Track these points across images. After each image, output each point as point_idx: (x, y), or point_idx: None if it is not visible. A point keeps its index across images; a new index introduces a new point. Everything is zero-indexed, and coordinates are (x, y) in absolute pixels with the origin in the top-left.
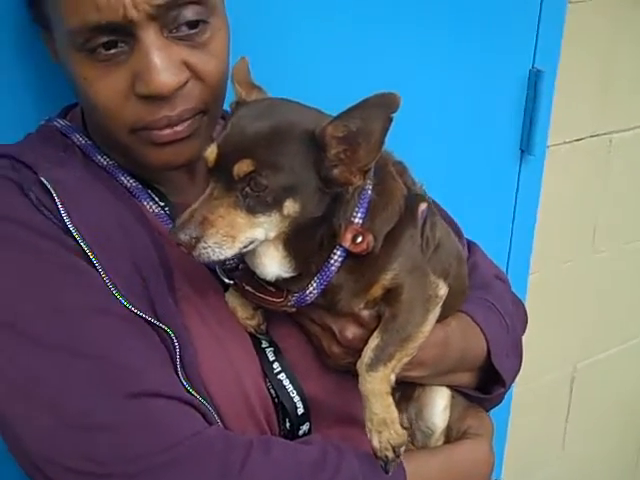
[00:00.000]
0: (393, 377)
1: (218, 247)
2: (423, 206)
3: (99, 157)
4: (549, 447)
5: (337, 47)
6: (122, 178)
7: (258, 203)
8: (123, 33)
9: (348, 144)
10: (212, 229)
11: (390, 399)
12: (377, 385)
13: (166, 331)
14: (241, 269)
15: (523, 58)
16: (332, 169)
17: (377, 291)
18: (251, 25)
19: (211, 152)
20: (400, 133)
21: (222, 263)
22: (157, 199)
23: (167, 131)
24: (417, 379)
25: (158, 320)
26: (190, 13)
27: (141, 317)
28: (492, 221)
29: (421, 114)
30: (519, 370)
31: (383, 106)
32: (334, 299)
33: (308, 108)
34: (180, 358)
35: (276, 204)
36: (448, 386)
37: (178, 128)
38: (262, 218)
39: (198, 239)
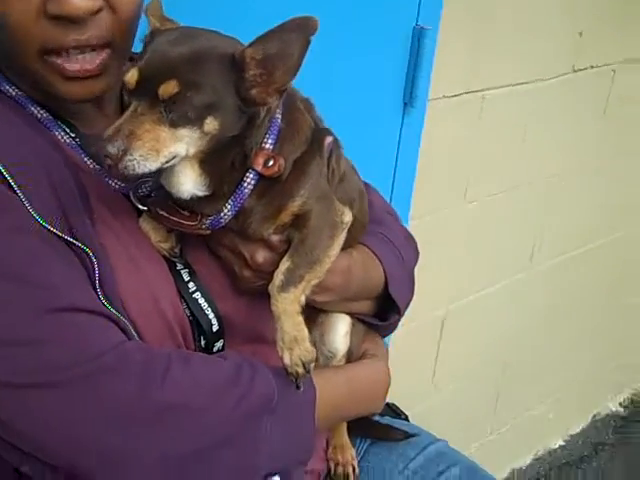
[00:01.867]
0: (303, 298)
1: (143, 160)
2: (329, 139)
3: (7, 87)
4: (421, 383)
5: None
6: (32, 108)
7: (181, 120)
8: None
9: (266, 66)
10: (138, 142)
11: (300, 318)
12: (288, 305)
13: (84, 250)
14: (155, 195)
15: (407, 16)
16: (250, 89)
17: (286, 216)
18: None
19: (132, 75)
20: None
21: (136, 189)
22: (68, 130)
23: (75, 66)
24: (323, 304)
25: (76, 240)
26: None
27: (60, 237)
28: (376, 170)
29: (308, 68)
30: (411, 299)
31: (302, 30)
32: (245, 223)
33: (224, 35)
34: (98, 276)
35: (198, 121)
36: (349, 313)
37: (87, 66)
38: (185, 132)
39: (125, 151)
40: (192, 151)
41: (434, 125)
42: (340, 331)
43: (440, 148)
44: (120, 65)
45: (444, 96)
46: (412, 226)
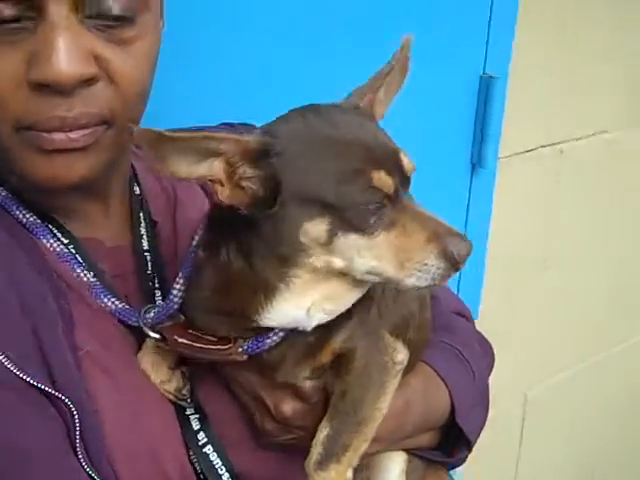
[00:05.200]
0: (350, 474)
1: None
2: None
3: None
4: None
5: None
6: (16, 212)
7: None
8: (29, 5)
9: None
10: None
11: None
12: None
13: (64, 401)
14: (169, 319)
15: (473, 64)
16: None
17: (326, 357)
18: None
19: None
20: None
21: (145, 312)
22: (59, 235)
23: (59, 135)
24: (368, 455)
25: (55, 389)
26: (117, 4)
27: (36, 387)
28: None
29: None
30: (485, 420)
31: None
32: (279, 358)
33: None
34: (79, 434)
35: None
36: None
37: (72, 135)
38: None
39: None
40: None
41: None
42: (393, 472)
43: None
44: (116, 146)
45: (516, 153)
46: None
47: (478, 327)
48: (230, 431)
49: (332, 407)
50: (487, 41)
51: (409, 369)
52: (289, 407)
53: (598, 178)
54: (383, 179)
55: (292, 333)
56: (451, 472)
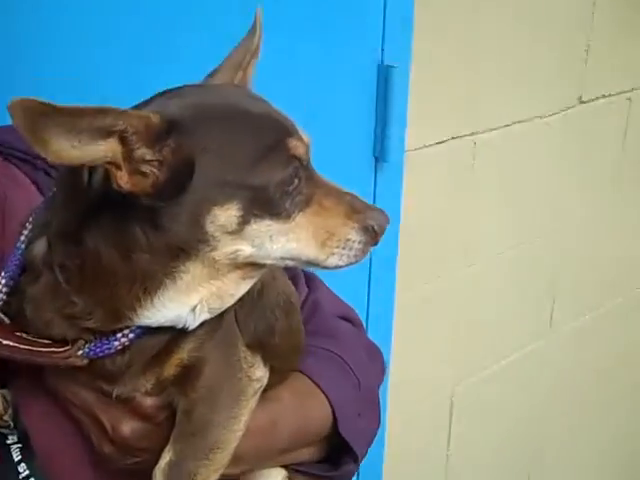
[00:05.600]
0: None
1: None
2: None
3: None
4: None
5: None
6: None
7: None
8: None
9: None
10: None
11: None
12: None
13: None
14: None
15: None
16: None
17: (170, 368)
18: None
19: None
20: None
21: None
22: None
23: None
24: (236, 476)
25: None
26: None
27: None
28: None
29: None
30: (377, 427)
31: None
32: (124, 365)
33: None
34: None
35: None
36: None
37: None
38: None
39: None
40: None
41: (415, 180)
42: None
43: (425, 205)
44: None
45: (425, 145)
46: (399, 300)
47: (396, 330)
48: (62, 456)
49: (176, 429)
50: (383, 29)
51: (281, 378)
52: (127, 427)
53: (514, 169)
54: (299, 145)
55: (144, 336)
56: None
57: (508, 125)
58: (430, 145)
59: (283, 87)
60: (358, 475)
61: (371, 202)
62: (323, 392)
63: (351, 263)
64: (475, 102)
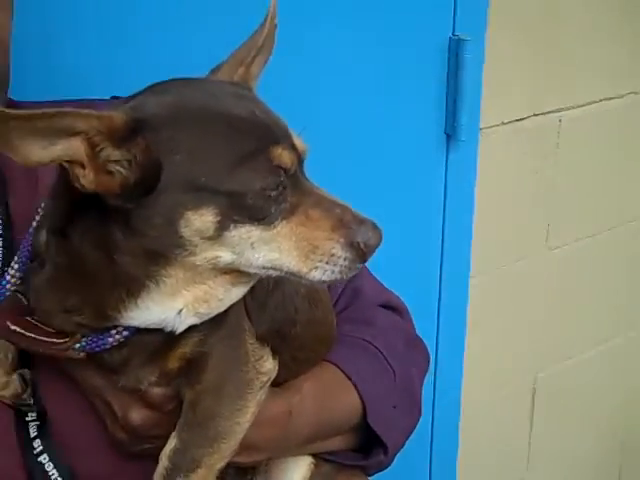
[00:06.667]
0: None
1: None
2: None
3: None
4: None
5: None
6: None
7: None
8: None
9: None
10: None
11: None
12: None
13: None
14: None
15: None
16: None
17: (173, 362)
18: None
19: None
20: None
21: None
22: None
23: None
24: (251, 464)
25: None
26: None
27: None
28: (420, 220)
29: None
30: (417, 418)
31: None
32: (126, 358)
33: None
34: None
35: None
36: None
37: None
38: None
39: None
40: None
41: (491, 159)
42: (291, 478)
43: (502, 186)
44: None
45: (503, 122)
46: (473, 284)
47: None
48: (77, 435)
49: (182, 418)
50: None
51: (307, 368)
52: (137, 415)
53: (602, 148)
54: (284, 155)
55: (139, 333)
56: None
57: (596, 102)
58: (508, 122)
59: (350, 63)
60: (430, 464)
61: (442, 183)
62: (352, 382)
63: (337, 280)
64: (559, 77)
